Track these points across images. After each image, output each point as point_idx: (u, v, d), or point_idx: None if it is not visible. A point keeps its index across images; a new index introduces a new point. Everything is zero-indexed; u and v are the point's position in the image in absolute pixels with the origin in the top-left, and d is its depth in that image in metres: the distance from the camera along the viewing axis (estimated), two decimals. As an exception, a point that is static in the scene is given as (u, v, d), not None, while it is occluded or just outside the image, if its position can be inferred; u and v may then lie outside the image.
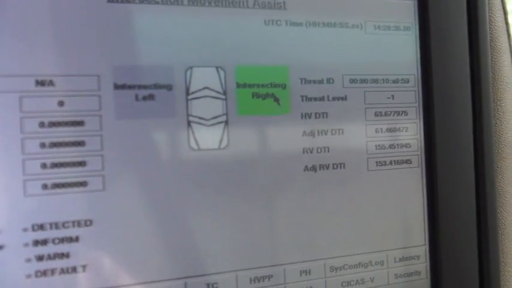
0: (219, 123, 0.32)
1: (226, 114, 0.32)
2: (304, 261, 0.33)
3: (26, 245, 0.28)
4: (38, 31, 0.28)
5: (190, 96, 0.31)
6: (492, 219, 0.37)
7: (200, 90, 0.31)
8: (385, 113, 0.35)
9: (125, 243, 0.30)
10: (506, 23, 0.39)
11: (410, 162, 0.36)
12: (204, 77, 0.31)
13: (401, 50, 0.36)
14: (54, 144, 0.29)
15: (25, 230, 0.28)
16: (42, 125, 0.28)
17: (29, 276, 0.28)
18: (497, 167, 0.38)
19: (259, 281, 0.32)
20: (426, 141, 0.36)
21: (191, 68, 0.31)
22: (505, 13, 0.39)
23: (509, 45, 0.39)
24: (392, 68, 0.36)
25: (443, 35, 0.36)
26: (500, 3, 0.39)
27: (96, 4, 0.30)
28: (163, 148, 0.31)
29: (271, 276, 0.33)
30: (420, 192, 0.36)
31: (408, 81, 0.36)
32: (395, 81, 0.36)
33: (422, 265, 0.36)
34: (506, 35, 0.39)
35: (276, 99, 0.33)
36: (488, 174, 0.37)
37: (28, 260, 0.28)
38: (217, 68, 0.32)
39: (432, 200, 0.36)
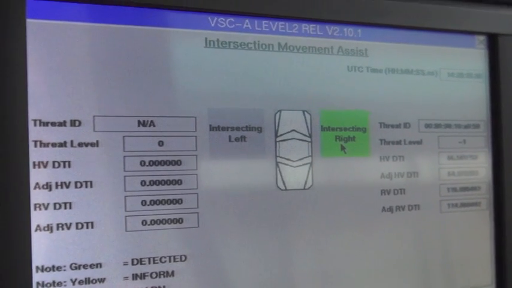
0: (304, 164, 0.33)
1: (311, 156, 0.33)
2: (380, 298, 0.35)
3: (126, 278, 0.29)
4: (140, 75, 0.30)
5: (278, 138, 0.33)
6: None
7: (288, 132, 0.33)
8: (457, 156, 0.37)
9: (217, 278, 0.31)
10: None
11: (480, 205, 0.37)
12: (292, 120, 0.33)
13: (473, 96, 0.37)
14: (153, 182, 0.30)
15: (125, 263, 0.29)
16: (143, 163, 0.30)
17: (128, 308, 0.29)
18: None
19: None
20: (495, 184, 0.37)
21: (280, 111, 0.33)
22: None
23: None
24: (464, 113, 0.37)
25: (512, 82, 0.38)
26: None
27: (194, 49, 0.31)
28: (253, 187, 0.32)
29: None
30: (488, 233, 0.37)
31: (479, 127, 0.37)
32: (466, 127, 0.37)
33: (489, 304, 0.37)
34: None
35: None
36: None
37: (128, 293, 0.29)
38: (303, 111, 0.33)
39: (500, 241, 0.37)
